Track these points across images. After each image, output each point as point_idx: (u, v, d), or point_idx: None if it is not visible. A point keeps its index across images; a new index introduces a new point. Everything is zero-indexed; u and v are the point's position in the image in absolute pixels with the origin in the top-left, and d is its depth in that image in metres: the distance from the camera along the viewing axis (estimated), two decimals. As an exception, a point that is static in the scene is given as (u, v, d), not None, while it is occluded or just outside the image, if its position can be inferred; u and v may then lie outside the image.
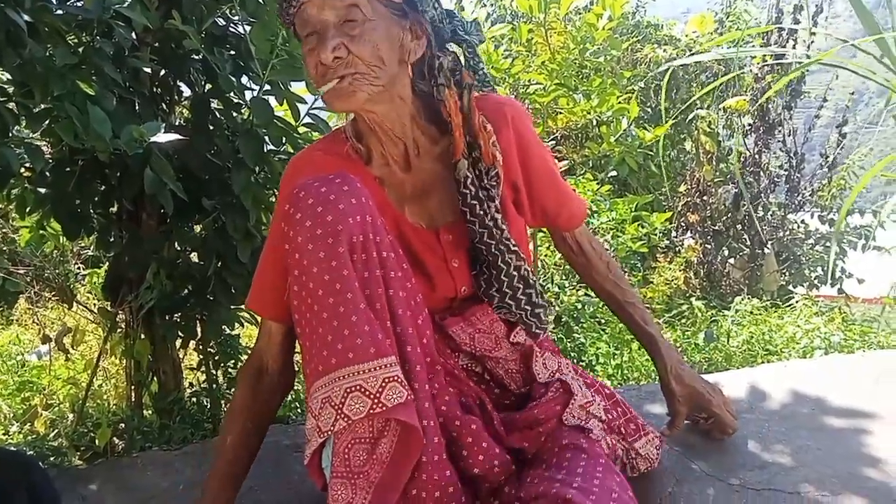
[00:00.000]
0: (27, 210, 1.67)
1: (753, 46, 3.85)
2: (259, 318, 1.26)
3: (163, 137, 1.22)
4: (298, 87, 1.73)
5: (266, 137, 1.64)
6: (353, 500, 0.97)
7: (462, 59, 1.20)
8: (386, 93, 1.10)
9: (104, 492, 1.42)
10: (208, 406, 1.95)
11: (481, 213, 1.16)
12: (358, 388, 0.93)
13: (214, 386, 1.99)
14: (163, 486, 1.45)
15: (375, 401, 0.92)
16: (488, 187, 1.17)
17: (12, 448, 1.75)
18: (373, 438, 0.98)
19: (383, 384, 0.93)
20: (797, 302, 2.92)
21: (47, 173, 1.58)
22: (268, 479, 1.45)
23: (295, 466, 1.50)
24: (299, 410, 2.03)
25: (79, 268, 2.75)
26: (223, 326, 1.92)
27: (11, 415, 2.16)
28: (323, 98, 1.10)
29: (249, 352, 1.26)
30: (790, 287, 3.90)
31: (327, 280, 0.95)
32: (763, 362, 2.28)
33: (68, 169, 1.58)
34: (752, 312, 2.80)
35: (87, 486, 1.45)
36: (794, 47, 3.71)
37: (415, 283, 1.11)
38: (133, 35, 1.42)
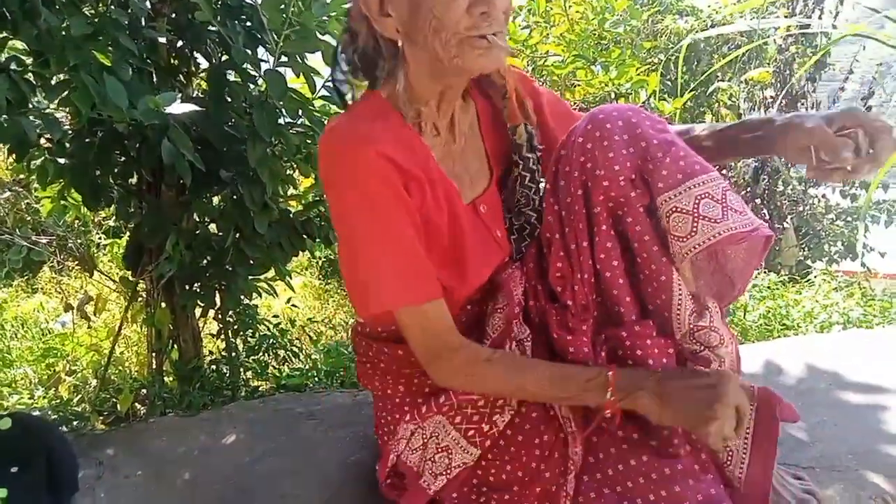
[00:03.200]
0: (47, 180, 1.69)
1: (777, 15, 3.76)
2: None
3: (178, 108, 1.23)
4: (314, 60, 1.73)
5: (282, 110, 1.65)
6: None
7: None
8: None
9: (121, 456, 1.46)
10: (227, 374, 1.99)
11: (538, 178, 1.15)
12: None
13: (233, 354, 2.03)
14: (178, 451, 1.48)
15: None
16: (536, 148, 1.16)
17: (33, 413, 1.80)
18: None
19: None
20: (815, 277, 2.89)
21: (67, 144, 1.60)
22: (280, 446, 1.48)
23: (306, 434, 1.52)
24: (317, 379, 2.06)
25: (100, 238, 2.79)
26: (241, 296, 1.95)
27: (36, 380, 2.22)
28: (458, 55, 0.97)
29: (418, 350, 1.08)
30: (809, 262, 3.87)
31: None
32: (779, 337, 2.27)
33: (88, 140, 1.60)
34: (769, 287, 2.78)
35: (105, 450, 1.48)
36: (820, 17, 3.62)
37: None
38: (148, 5, 1.42)
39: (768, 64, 3.75)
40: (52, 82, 1.28)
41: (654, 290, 1.06)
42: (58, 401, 2.04)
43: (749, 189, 3.90)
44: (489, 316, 1.15)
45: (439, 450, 1.13)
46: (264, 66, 1.64)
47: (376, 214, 1.01)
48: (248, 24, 1.62)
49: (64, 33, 1.21)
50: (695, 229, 1.00)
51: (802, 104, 3.88)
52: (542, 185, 1.17)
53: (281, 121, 1.66)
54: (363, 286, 1.05)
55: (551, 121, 1.23)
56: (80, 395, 2.05)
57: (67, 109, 1.56)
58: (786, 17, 3.68)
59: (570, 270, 1.09)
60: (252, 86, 1.71)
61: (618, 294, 1.07)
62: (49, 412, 1.84)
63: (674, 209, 1.01)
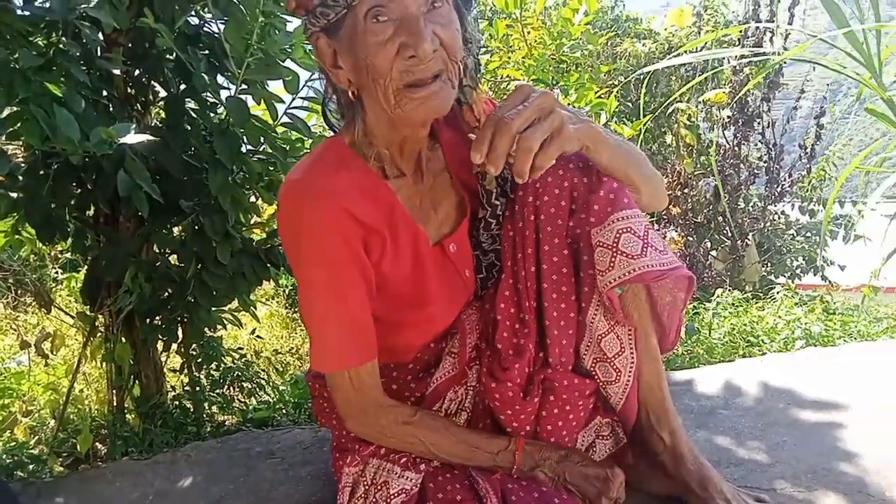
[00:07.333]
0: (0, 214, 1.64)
1: (732, 39, 3.87)
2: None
3: (133, 138, 1.20)
4: (276, 87, 1.72)
5: (244, 137, 1.63)
6: None
7: None
8: None
9: (71, 504, 1.39)
10: (191, 409, 1.93)
11: (501, 221, 1.15)
12: None
13: (197, 388, 1.97)
14: (132, 496, 1.43)
15: None
16: (507, 193, 1.15)
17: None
18: None
19: None
20: (777, 293, 2.94)
21: (20, 177, 1.55)
22: (238, 488, 1.44)
23: (265, 474, 1.48)
24: (284, 412, 2.01)
25: (57, 272, 2.71)
26: (205, 328, 1.91)
27: (-10, 422, 2.13)
28: (398, 105, 0.95)
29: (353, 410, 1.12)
30: (772, 277, 3.94)
31: None
32: (744, 354, 2.29)
33: (42, 172, 1.55)
34: (733, 304, 2.82)
35: (54, 499, 1.42)
36: (771, 40, 3.74)
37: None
38: (100, 36, 1.39)
39: (724, 85, 3.85)
40: (2, 115, 1.24)
41: (563, 327, 1.09)
42: (13, 444, 1.96)
43: (710, 207, 3.97)
44: (444, 356, 1.16)
45: (378, 487, 1.12)
46: (224, 94, 1.62)
47: (330, 274, 1.03)
48: (207, 52, 1.61)
49: (14, 65, 1.18)
50: (612, 264, 1.02)
51: (758, 123, 3.98)
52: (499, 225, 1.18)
53: (242, 148, 1.64)
54: (312, 340, 1.08)
55: None
56: (37, 437, 1.97)
57: (20, 141, 1.52)
58: (738, 38, 3.78)
59: (517, 299, 1.11)
60: (212, 114, 1.69)
61: (551, 328, 1.09)
62: (3, 456, 1.76)
63: (598, 243, 1.03)
